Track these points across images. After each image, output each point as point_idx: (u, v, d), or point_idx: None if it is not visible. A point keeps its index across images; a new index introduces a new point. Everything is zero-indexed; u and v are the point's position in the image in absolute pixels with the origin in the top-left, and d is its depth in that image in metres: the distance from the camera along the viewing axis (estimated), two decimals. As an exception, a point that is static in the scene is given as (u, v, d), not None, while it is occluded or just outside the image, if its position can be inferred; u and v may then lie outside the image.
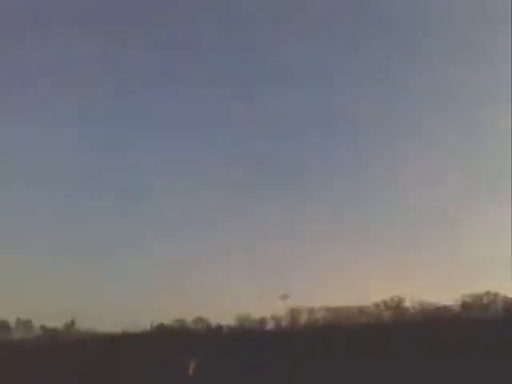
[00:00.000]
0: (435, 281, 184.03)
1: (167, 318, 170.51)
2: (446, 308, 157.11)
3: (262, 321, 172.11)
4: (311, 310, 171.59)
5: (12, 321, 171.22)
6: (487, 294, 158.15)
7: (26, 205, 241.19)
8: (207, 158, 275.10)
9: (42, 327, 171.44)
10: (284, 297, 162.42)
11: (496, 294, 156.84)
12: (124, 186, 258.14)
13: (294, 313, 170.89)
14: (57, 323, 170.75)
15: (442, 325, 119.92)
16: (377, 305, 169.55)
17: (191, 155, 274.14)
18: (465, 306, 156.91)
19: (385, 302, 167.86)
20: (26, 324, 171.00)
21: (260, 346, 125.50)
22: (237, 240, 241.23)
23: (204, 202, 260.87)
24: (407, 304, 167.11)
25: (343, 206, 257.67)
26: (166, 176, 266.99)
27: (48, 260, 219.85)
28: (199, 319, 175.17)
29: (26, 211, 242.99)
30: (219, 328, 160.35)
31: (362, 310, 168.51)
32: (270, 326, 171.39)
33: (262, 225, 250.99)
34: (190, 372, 66.58)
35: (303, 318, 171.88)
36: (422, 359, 65.14)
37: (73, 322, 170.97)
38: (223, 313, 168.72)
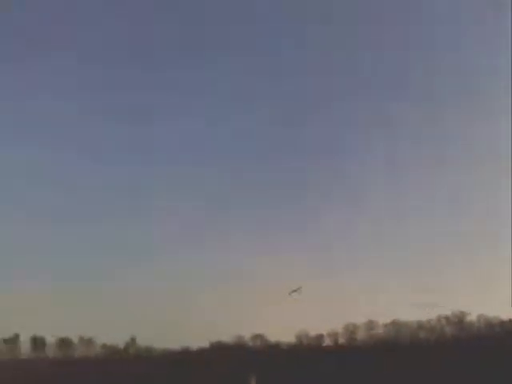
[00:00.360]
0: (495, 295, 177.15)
1: (226, 335, 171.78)
2: (511, 322, 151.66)
3: (319, 337, 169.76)
4: (369, 326, 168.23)
5: (75, 338, 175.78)
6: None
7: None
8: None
9: (104, 345, 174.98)
10: (296, 291, 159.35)
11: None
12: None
13: (351, 329, 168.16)
14: (118, 341, 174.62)
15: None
16: (438, 319, 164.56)
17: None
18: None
19: (446, 317, 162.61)
20: (88, 341, 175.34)
21: (318, 362, 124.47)
22: (295, 258, 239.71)
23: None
24: (471, 318, 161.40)
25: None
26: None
27: (110, 280, 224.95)
28: (257, 336, 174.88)
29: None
30: (277, 344, 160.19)
31: (421, 325, 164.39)
32: (327, 342, 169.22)
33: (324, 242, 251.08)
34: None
35: (361, 334, 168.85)
36: (488, 372, 63.11)
37: (133, 340, 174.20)
38: (282, 330, 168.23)
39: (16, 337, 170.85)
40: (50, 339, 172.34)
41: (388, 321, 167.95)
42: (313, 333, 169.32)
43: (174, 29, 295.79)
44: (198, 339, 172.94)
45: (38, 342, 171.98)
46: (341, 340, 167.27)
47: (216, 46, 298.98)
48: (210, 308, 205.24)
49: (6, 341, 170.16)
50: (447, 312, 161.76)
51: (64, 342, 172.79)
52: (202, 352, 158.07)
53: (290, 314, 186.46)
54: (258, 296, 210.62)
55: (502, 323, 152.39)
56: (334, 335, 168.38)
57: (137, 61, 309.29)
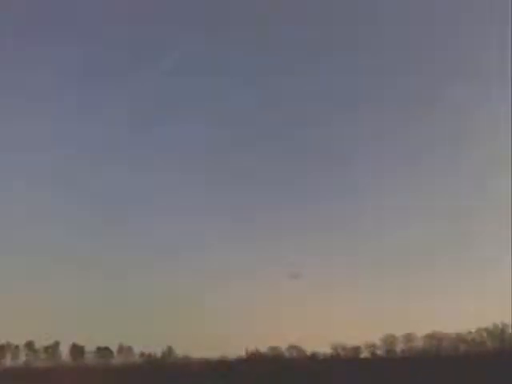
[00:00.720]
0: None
1: (262, 345, 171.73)
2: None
3: (357, 349, 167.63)
4: (408, 338, 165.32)
5: (114, 347, 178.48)
6: None
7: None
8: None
9: (142, 353, 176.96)
10: (294, 275, 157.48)
11: None
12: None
13: (389, 340, 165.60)
14: (155, 349, 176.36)
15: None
16: (479, 332, 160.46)
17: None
18: None
19: (487, 329, 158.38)
20: (127, 350, 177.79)
21: (354, 374, 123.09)
22: (334, 271, 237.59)
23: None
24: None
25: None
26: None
27: (147, 290, 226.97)
28: (293, 347, 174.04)
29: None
30: (314, 355, 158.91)
31: (462, 338, 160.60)
32: (364, 354, 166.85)
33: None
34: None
35: (399, 346, 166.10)
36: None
37: (170, 348, 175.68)
38: (319, 340, 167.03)
39: (56, 344, 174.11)
40: (89, 347, 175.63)
41: (427, 332, 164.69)
42: (350, 344, 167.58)
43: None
44: (234, 348, 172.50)
45: (77, 350, 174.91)
46: (378, 352, 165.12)
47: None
48: (243, 316, 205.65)
49: (46, 349, 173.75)
50: (487, 324, 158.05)
51: (103, 350, 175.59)
52: (239, 362, 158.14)
53: (326, 324, 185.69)
54: (292, 305, 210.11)
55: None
56: (371, 347, 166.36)
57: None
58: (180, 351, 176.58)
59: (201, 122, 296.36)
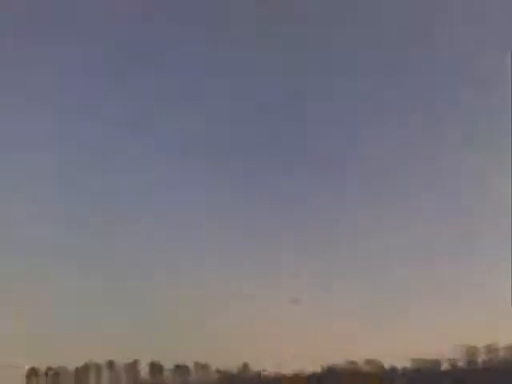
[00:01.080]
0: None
1: (339, 359, 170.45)
2: None
3: (437, 361, 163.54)
4: (490, 349, 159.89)
5: (191, 364, 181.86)
6: None
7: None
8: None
9: (218, 370, 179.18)
10: (295, 301, 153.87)
11: None
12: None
13: (470, 352, 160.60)
14: (231, 366, 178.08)
15: None
16: None
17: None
18: None
19: None
20: (203, 367, 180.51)
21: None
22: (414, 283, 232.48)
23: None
24: None
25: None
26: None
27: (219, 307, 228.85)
28: (370, 361, 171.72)
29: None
30: (393, 369, 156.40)
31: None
32: (445, 366, 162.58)
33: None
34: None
35: (481, 358, 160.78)
36: None
37: (246, 365, 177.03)
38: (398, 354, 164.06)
39: (135, 362, 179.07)
40: (167, 364, 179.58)
41: (508, 343, 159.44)
42: (429, 357, 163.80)
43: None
44: (309, 362, 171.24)
45: (155, 368, 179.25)
46: (459, 364, 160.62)
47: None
48: (318, 330, 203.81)
49: (126, 367, 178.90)
50: None
51: (180, 368, 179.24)
52: (314, 376, 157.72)
53: (404, 337, 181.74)
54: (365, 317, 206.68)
55: None
56: (452, 359, 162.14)
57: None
58: (255, 367, 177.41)
59: (201, 121, 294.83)
